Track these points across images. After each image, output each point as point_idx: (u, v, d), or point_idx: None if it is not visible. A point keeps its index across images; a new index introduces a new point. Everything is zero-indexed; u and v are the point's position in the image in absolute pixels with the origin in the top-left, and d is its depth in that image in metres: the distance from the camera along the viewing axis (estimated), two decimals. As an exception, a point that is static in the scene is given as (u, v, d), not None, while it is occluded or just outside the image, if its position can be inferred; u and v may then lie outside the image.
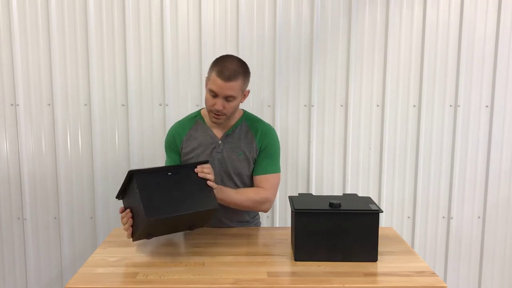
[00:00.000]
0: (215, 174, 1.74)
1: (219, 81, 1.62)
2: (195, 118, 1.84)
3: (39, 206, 2.44)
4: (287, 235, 1.73)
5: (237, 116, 1.81)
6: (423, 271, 1.41)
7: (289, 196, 1.61)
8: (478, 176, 2.49)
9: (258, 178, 1.78)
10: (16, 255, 2.46)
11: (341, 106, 2.42)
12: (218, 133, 1.79)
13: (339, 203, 1.47)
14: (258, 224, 1.97)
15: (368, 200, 1.57)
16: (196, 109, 2.37)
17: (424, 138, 2.44)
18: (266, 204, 1.75)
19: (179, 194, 1.49)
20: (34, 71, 2.34)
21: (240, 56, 2.33)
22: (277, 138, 1.84)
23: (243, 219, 1.87)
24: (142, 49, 2.35)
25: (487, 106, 2.43)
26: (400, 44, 2.39)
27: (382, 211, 1.47)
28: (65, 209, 2.43)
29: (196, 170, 1.54)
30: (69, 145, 2.40)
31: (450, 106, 2.43)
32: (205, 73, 2.35)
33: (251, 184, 1.82)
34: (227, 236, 1.71)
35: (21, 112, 2.36)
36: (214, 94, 1.65)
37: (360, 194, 2.44)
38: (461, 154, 2.46)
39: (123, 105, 2.38)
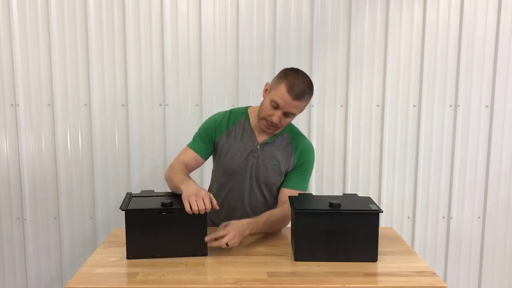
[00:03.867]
0: (246, 178, 1.73)
1: (287, 97, 1.57)
2: (241, 116, 1.78)
3: (39, 206, 2.44)
4: (287, 235, 1.73)
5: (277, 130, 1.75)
6: (423, 271, 1.41)
7: (289, 196, 1.61)
8: (478, 176, 2.49)
9: (285, 192, 1.75)
10: (16, 255, 2.46)
11: (341, 106, 2.42)
12: (260, 138, 1.74)
13: (339, 203, 1.47)
14: None
15: (368, 200, 1.57)
16: (196, 109, 2.38)
17: (424, 138, 2.44)
18: (288, 221, 1.72)
19: (170, 235, 1.47)
20: (34, 71, 2.34)
21: (240, 56, 2.35)
22: (314, 157, 1.80)
23: None
24: (142, 49, 2.35)
25: (487, 106, 2.43)
26: (400, 44, 2.39)
27: (382, 211, 1.47)
28: (65, 209, 2.43)
29: (223, 243, 1.47)
30: (69, 145, 2.40)
31: (450, 106, 2.43)
32: (205, 73, 2.36)
33: (277, 194, 1.79)
34: (227, 236, 1.70)
35: (21, 112, 2.36)
36: (276, 106, 1.61)
37: (360, 194, 2.43)
38: (461, 154, 2.46)
39: (123, 105, 2.38)
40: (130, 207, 1.48)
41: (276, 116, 1.61)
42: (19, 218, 2.44)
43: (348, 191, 2.48)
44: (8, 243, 2.45)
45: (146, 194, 1.61)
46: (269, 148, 1.73)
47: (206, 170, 2.34)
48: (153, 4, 2.32)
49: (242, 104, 2.37)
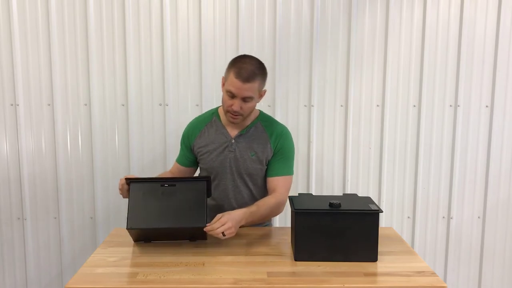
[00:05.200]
0: (227, 173, 1.77)
1: (237, 83, 1.61)
2: (212, 116, 1.84)
3: (39, 206, 2.44)
4: (287, 235, 1.73)
5: (253, 116, 1.81)
6: (423, 271, 1.41)
7: (289, 196, 1.61)
8: (478, 176, 2.49)
9: (272, 180, 1.77)
10: (16, 255, 2.46)
11: (341, 106, 2.42)
12: (233, 132, 1.78)
13: (339, 203, 1.47)
14: (269, 224, 1.97)
15: (368, 200, 1.57)
16: (196, 109, 2.38)
17: (424, 138, 2.44)
18: (282, 207, 1.76)
19: (170, 206, 1.50)
20: (34, 71, 2.34)
21: (240, 56, 2.35)
22: (292, 140, 1.83)
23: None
24: (142, 49, 2.35)
25: (487, 106, 2.43)
26: (400, 44, 2.39)
27: (382, 211, 1.47)
28: (65, 209, 2.43)
29: (218, 232, 1.49)
30: (69, 145, 2.40)
31: (450, 106, 2.43)
32: (205, 73, 2.36)
33: (262, 185, 1.82)
34: (227, 236, 1.70)
35: (21, 112, 2.36)
36: (231, 95, 1.65)
37: (360, 194, 2.43)
38: (461, 154, 2.46)
39: (123, 105, 2.38)
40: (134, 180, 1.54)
41: (236, 104, 1.65)
42: (19, 218, 2.44)
43: (348, 191, 2.48)
44: (8, 243, 2.45)
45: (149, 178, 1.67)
46: (243, 140, 1.77)
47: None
48: (153, 4, 2.32)
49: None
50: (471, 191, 2.49)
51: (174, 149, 2.39)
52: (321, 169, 2.46)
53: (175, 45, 2.35)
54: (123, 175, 2.41)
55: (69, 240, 2.46)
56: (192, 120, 1.90)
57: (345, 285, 1.31)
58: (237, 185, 1.79)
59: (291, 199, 1.57)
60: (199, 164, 1.87)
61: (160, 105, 2.39)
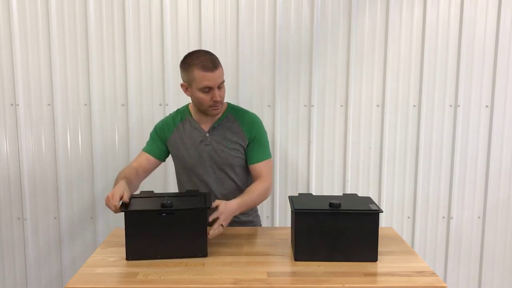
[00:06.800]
0: (207, 167, 1.79)
1: (209, 74, 1.65)
2: (184, 114, 1.86)
3: (39, 206, 2.44)
4: (287, 235, 1.73)
5: (222, 109, 1.84)
6: (423, 271, 1.41)
7: (289, 196, 1.61)
8: (478, 176, 2.49)
9: (256, 167, 1.81)
10: (16, 255, 2.46)
11: (341, 106, 2.42)
12: (205, 126, 1.82)
13: (339, 203, 1.47)
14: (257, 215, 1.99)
15: (368, 200, 1.57)
16: (196, 109, 2.38)
17: (424, 138, 2.44)
18: (269, 191, 1.81)
19: (169, 236, 1.47)
20: (34, 71, 2.34)
21: (240, 56, 2.36)
22: (263, 125, 1.87)
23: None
24: (142, 49, 2.35)
25: (487, 106, 2.43)
26: (400, 44, 2.39)
27: (382, 211, 1.47)
28: (65, 209, 2.43)
29: (210, 235, 1.51)
30: (69, 145, 2.40)
31: (450, 106, 2.43)
32: (205, 73, 2.36)
33: (243, 174, 1.85)
34: (227, 236, 1.70)
35: (21, 112, 2.36)
36: (208, 89, 1.68)
37: (360, 194, 2.43)
38: (461, 154, 2.46)
39: (123, 105, 2.38)
40: (130, 208, 1.48)
41: (216, 94, 1.69)
42: (19, 218, 2.44)
43: (348, 191, 2.48)
44: (8, 243, 2.45)
45: (146, 195, 1.61)
46: (217, 132, 1.80)
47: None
48: (153, 4, 2.32)
49: (241, 104, 2.37)
50: (471, 191, 2.49)
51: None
52: (321, 169, 2.46)
53: (175, 45, 2.35)
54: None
55: (69, 240, 2.46)
56: (164, 118, 1.91)
57: (345, 285, 1.31)
58: (219, 177, 1.81)
59: (291, 199, 1.57)
60: (174, 160, 1.89)
61: (160, 105, 2.39)
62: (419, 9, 2.37)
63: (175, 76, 2.36)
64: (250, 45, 2.36)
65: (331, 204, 1.48)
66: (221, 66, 1.71)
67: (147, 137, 2.39)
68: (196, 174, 1.82)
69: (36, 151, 2.39)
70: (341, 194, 2.45)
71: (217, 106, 1.73)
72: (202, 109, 1.76)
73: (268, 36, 2.36)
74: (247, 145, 1.82)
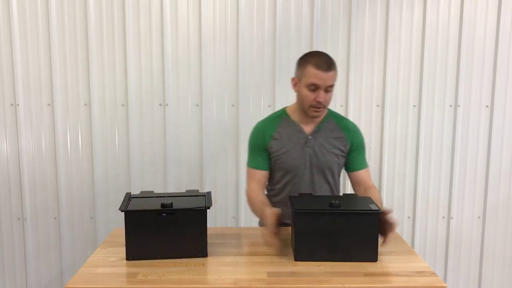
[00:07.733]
0: (305, 169, 1.77)
1: (320, 73, 1.64)
2: (282, 117, 1.83)
3: (39, 206, 2.44)
4: (287, 235, 1.73)
5: (323, 114, 1.80)
6: (423, 271, 1.41)
7: (289, 196, 1.61)
8: (478, 176, 2.49)
9: (360, 174, 1.82)
10: (16, 255, 2.46)
11: (341, 106, 2.42)
12: (307, 129, 1.79)
13: (339, 203, 1.47)
14: None
15: (368, 200, 1.57)
16: (196, 109, 2.38)
17: (424, 138, 2.44)
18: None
19: (169, 236, 1.47)
20: (34, 71, 2.34)
21: (240, 56, 2.35)
22: (362, 133, 1.87)
23: None
24: (142, 49, 2.35)
25: (487, 106, 2.43)
26: (400, 44, 2.39)
27: (382, 211, 1.47)
28: (65, 209, 2.43)
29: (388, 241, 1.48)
30: (69, 145, 2.40)
31: (450, 106, 2.43)
32: (205, 73, 2.36)
33: (338, 178, 1.85)
34: (227, 236, 1.71)
35: (21, 112, 2.36)
36: (314, 88, 1.66)
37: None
38: (461, 154, 2.46)
39: (123, 105, 2.38)
40: (130, 208, 1.47)
41: (320, 95, 1.67)
42: (19, 218, 2.44)
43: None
44: (8, 243, 2.45)
45: (146, 195, 1.61)
46: (320, 135, 1.78)
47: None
48: (153, 4, 2.32)
49: (241, 104, 2.38)
50: (471, 191, 2.49)
51: (174, 149, 2.39)
52: (321, 169, 2.46)
53: (175, 45, 2.35)
54: (123, 175, 2.42)
55: (69, 240, 2.46)
56: (258, 124, 1.84)
57: (345, 285, 1.31)
58: (315, 180, 1.79)
59: (291, 199, 1.57)
60: (272, 164, 1.83)
61: (160, 105, 2.39)
62: (419, 9, 2.37)
63: (175, 76, 2.36)
64: (250, 45, 2.36)
65: (331, 204, 1.48)
66: (336, 72, 1.68)
67: (147, 137, 2.40)
68: (294, 176, 1.78)
69: (36, 151, 2.39)
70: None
71: (318, 108, 1.69)
72: (303, 108, 1.73)
73: (268, 36, 2.36)
74: (349, 151, 1.81)
